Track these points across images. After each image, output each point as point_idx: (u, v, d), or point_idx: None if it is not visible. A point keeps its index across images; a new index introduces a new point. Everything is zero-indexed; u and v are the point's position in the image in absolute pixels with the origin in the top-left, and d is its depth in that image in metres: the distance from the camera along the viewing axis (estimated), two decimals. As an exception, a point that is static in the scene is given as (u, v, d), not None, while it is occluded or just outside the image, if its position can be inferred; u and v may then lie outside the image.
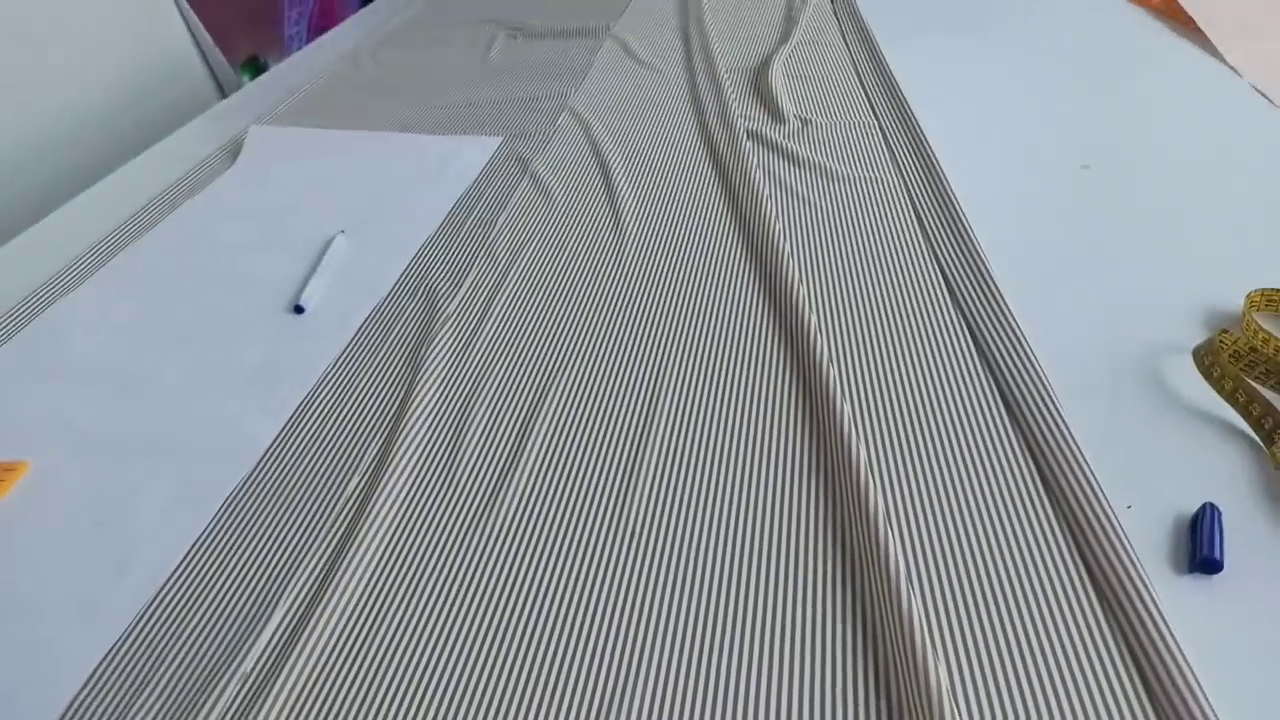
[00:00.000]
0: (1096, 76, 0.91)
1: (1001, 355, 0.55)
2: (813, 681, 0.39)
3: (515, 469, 0.51)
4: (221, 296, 0.69)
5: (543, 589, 0.44)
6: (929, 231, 0.68)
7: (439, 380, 0.58)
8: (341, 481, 0.51)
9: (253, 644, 0.42)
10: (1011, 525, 0.45)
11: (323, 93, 1.08)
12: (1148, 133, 0.78)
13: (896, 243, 0.67)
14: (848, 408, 0.52)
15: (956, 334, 0.57)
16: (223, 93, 1.71)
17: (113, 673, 0.42)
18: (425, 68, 1.14)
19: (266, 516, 0.50)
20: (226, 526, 0.49)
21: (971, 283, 0.61)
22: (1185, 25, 0.98)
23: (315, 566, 0.46)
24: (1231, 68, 0.88)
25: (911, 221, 0.70)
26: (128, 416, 0.58)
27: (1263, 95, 0.82)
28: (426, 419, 0.55)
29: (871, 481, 0.47)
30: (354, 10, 2.34)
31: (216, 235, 0.77)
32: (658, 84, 1.01)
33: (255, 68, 1.87)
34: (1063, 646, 0.39)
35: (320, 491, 0.51)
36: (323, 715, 0.39)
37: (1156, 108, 0.83)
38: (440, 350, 0.61)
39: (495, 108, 0.99)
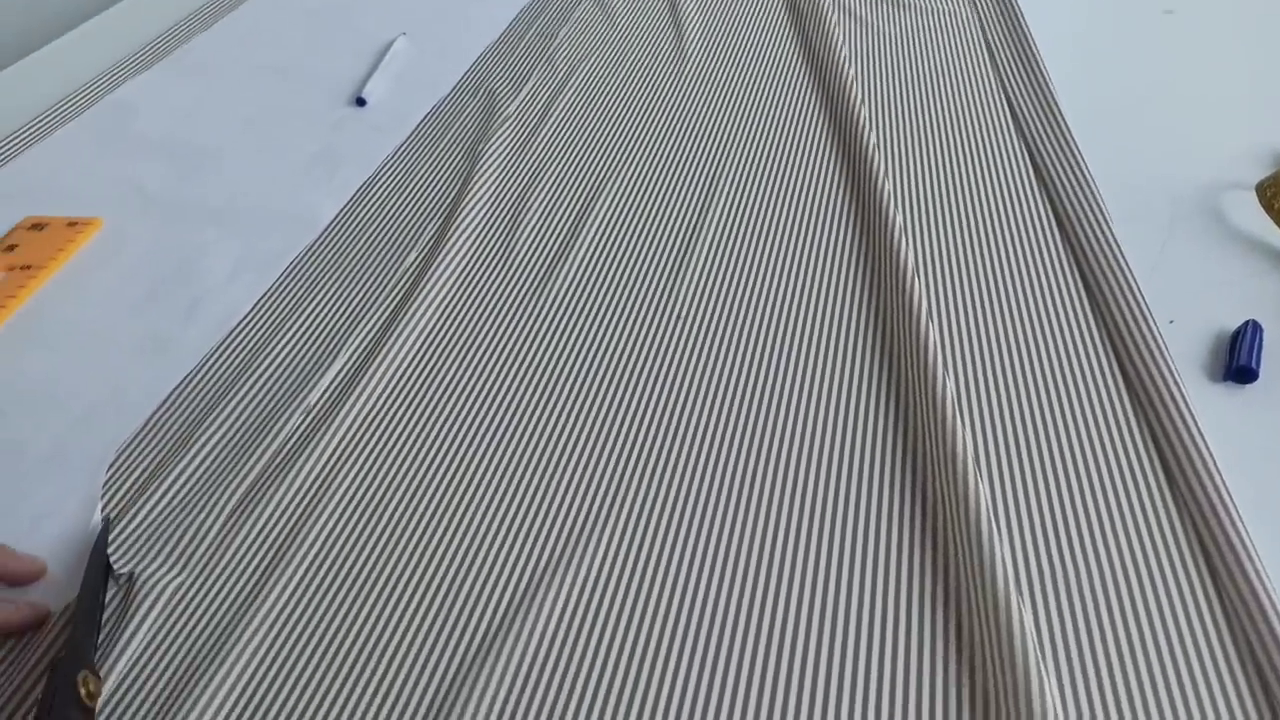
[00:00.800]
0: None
1: (1059, 176, 0.54)
2: (853, 468, 0.41)
3: (570, 249, 0.52)
4: (284, 88, 0.70)
5: (593, 358, 0.46)
6: (999, 65, 0.66)
7: (497, 171, 0.59)
8: (400, 254, 0.53)
9: (317, 381, 0.45)
10: (1054, 334, 0.45)
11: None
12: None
13: (963, 72, 0.66)
14: (900, 218, 0.52)
15: (1016, 157, 0.57)
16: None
17: (185, 398, 0.45)
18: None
19: (328, 281, 0.51)
20: (290, 287, 0.51)
21: (1036, 109, 0.60)
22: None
23: (375, 323, 0.48)
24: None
25: (982, 53, 0.68)
26: (194, 187, 0.59)
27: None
28: (484, 204, 0.56)
29: (918, 284, 0.47)
30: None
31: (280, 32, 0.78)
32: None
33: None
34: (1092, 444, 0.40)
35: (379, 262, 0.53)
36: (381, 444, 0.42)
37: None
38: (499, 145, 0.61)
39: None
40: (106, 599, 0.36)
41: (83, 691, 0.31)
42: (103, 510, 0.39)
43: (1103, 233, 0.49)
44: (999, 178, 0.55)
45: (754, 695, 0.31)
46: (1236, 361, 0.42)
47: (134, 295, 0.51)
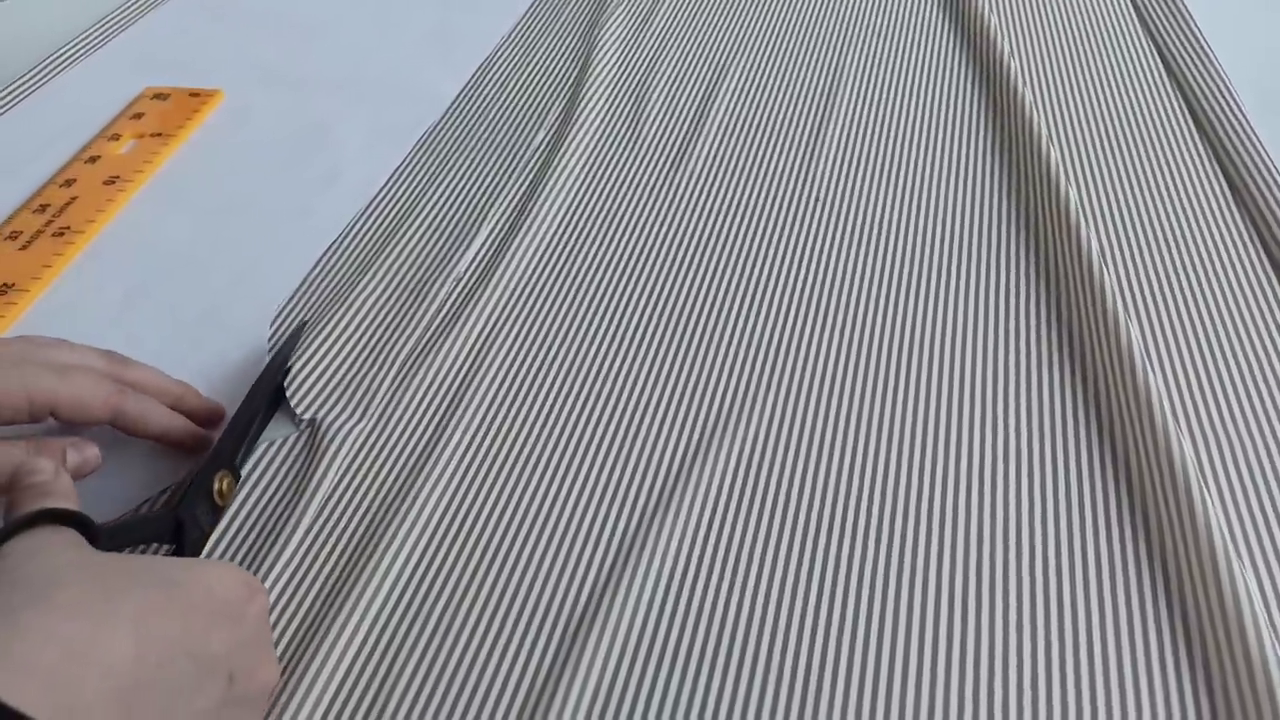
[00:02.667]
0: None
1: (1186, 64, 0.54)
2: (997, 348, 0.41)
3: (699, 130, 0.52)
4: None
5: (731, 238, 0.46)
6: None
7: (617, 55, 0.59)
8: (529, 133, 0.53)
9: (464, 252, 0.45)
10: (1195, 218, 0.46)
11: None
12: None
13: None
14: (1037, 115, 0.52)
15: (1143, 50, 0.57)
16: None
17: (336, 263, 0.45)
18: None
19: (460, 156, 0.52)
20: (423, 160, 0.51)
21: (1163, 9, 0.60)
22: None
23: (513, 197, 0.48)
24: None
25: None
26: (311, 61, 0.59)
27: None
28: (606, 87, 0.56)
29: (1063, 177, 0.47)
30: None
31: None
32: None
33: None
34: (1244, 325, 0.41)
35: (509, 139, 0.53)
36: (532, 315, 0.42)
37: None
38: (615, 30, 0.61)
39: None
40: (268, 421, 0.37)
41: (216, 487, 0.33)
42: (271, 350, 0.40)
43: (1240, 126, 0.49)
44: (1129, 71, 0.55)
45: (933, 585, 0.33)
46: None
47: (268, 163, 0.51)
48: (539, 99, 0.56)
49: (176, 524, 0.31)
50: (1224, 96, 0.52)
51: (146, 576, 0.23)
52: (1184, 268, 0.43)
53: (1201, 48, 0.55)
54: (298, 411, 0.37)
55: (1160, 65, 0.56)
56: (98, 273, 0.45)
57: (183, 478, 0.34)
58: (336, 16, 0.63)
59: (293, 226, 0.47)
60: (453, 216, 0.48)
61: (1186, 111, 0.52)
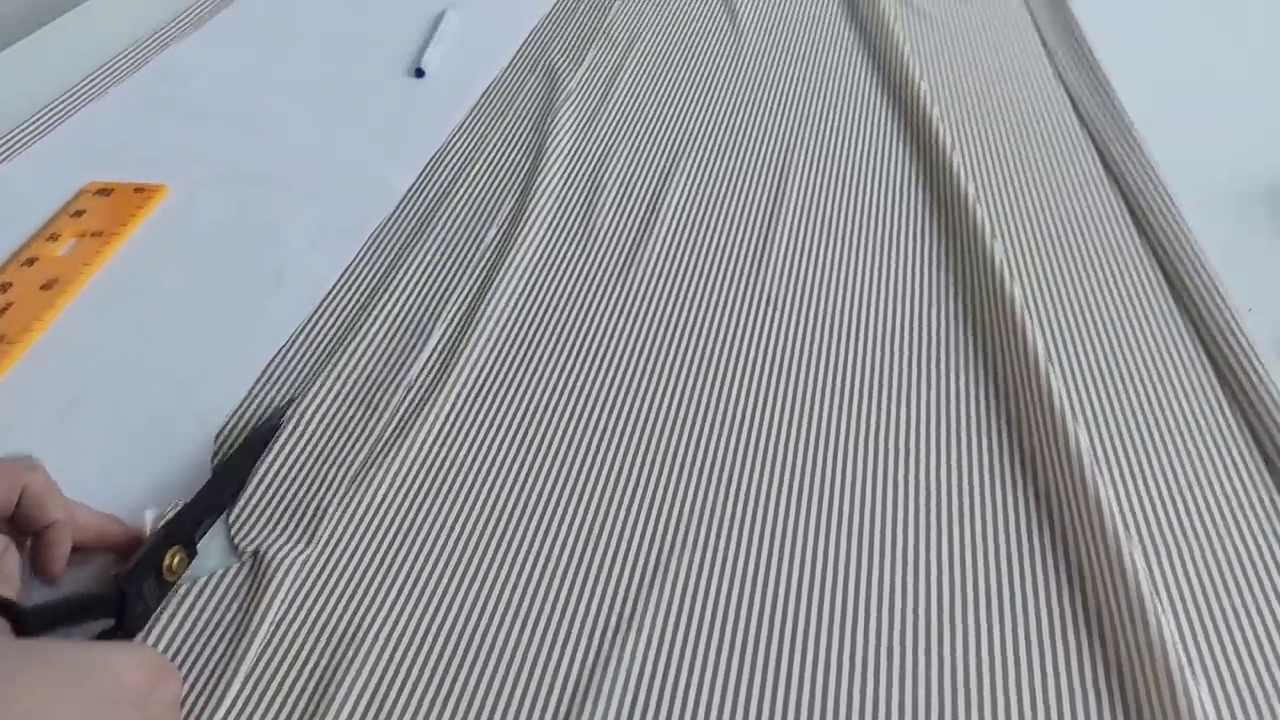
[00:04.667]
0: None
1: (1127, 169, 0.55)
2: (949, 449, 0.41)
3: (651, 226, 0.53)
4: (338, 56, 0.68)
5: (681, 339, 0.46)
6: (1052, 52, 0.67)
7: (567, 147, 0.59)
8: (480, 229, 0.53)
9: (415, 357, 0.45)
10: (1138, 320, 0.47)
11: None
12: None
13: (1021, 61, 0.67)
14: (980, 210, 0.53)
15: (1082, 149, 0.58)
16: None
17: (283, 370, 0.44)
18: None
19: (412, 254, 0.51)
20: (374, 258, 0.51)
21: (1097, 102, 0.61)
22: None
23: (464, 297, 0.48)
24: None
25: (1035, 42, 0.69)
26: (259, 154, 0.58)
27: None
28: (558, 181, 0.56)
29: (1008, 275, 0.48)
30: None
31: (322, 3, 0.76)
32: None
33: None
34: (1189, 427, 0.42)
35: (460, 236, 0.52)
36: (484, 420, 0.42)
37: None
38: (566, 121, 0.61)
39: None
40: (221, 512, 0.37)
41: (166, 563, 0.33)
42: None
43: (1176, 225, 0.51)
44: (1070, 170, 0.56)
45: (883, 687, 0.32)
46: (1321, 355, 0.44)
47: (214, 263, 0.50)
48: (491, 193, 0.55)
49: (120, 596, 0.30)
50: (1159, 193, 0.53)
51: (52, 665, 0.23)
52: (1128, 371, 0.44)
53: (1133, 141, 0.57)
54: (239, 543, 0.36)
55: (1098, 159, 0.57)
56: (35, 382, 0.43)
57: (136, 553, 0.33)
58: (285, 110, 0.62)
59: (239, 330, 0.46)
60: (403, 321, 0.47)
61: (1124, 207, 0.54)
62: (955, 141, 0.58)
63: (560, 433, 0.41)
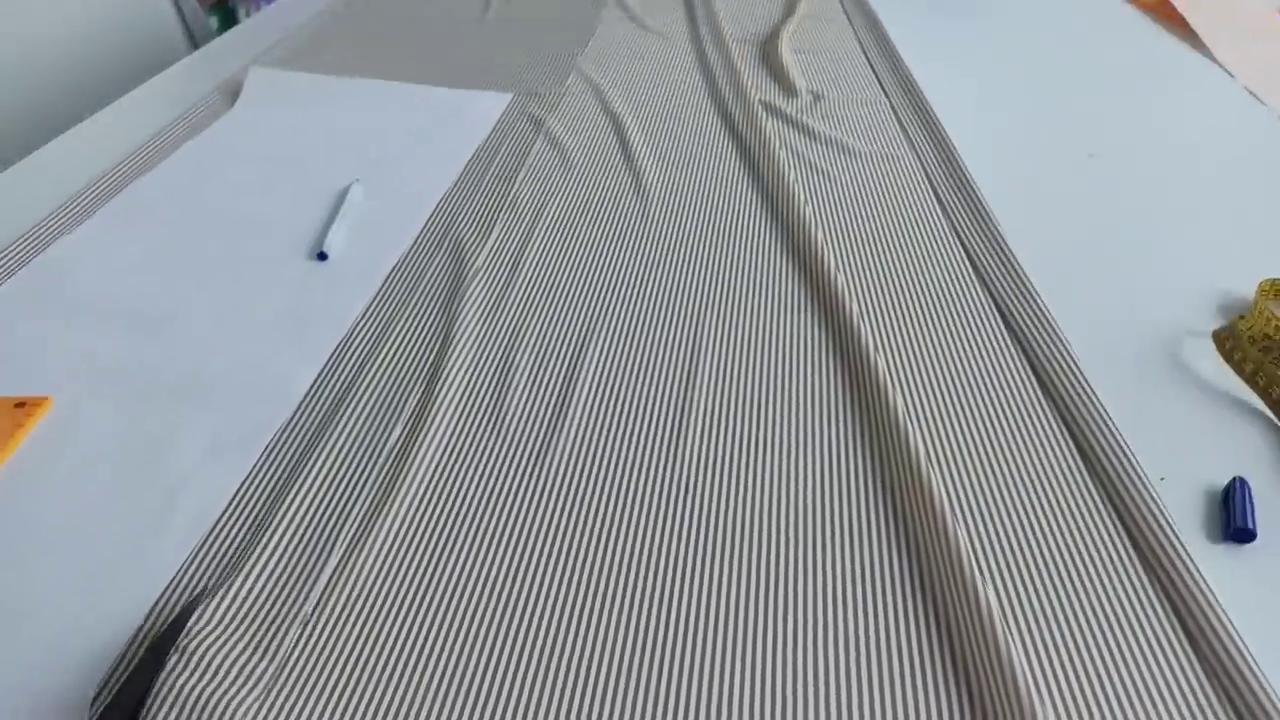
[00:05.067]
0: (1093, 69, 0.93)
1: (1031, 333, 0.56)
2: (865, 637, 0.40)
3: (563, 416, 0.51)
4: (237, 238, 0.67)
5: (596, 535, 0.44)
6: (949, 210, 0.69)
7: (475, 331, 0.58)
8: (384, 428, 0.51)
9: (312, 586, 0.42)
10: (1053, 494, 0.46)
11: (316, 38, 1.06)
12: (1148, 126, 0.81)
13: (918, 219, 0.69)
14: (888, 376, 0.53)
15: (986, 313, 0.59)
16: (189, 32, 1.66)
17: (169, 609, 0.41)
18: (422, 18, 1.11)
19: (311, 462, 0.49)
20: (270, 471, 0.48)
21: (995, 261, 0.63)
22: (1177, 25, 1.02)
23: (361, 513, 0.46)
24: (1223, 67, 0.91)
25: (931, 200, 0.71)
26: (152, 355, 0.56)
27: (1255, 96, 0.85)
28: (466, 370, 0.55)
29: (917, 439, 0.48)
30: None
31: (223, 177, 0.75)
32: (666, 50, 1.00)
33: (224, 12, 1.81)
34: (1112, 608, 0.41)
35: (363, 438, 0.50)
36: (373, 657, 0.39)
37: (1155, 101, 0.85)
38: (474, 302, 0.60)
39: (501, 63, 0.97)
40: None
41: None
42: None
43: (1084, 391, 0.51)
44: (973, 332, 0.57)
45: None
46: (1234, 523, 0.44)
47: (98, 488, 0.47)
48: (395, 388, 0.54)
49: None
50: (1063, 355, 0.54)
51: None
52: (1051, 563, 0.44)
53: (1034, 301, 0.59)
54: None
55: (999, 319, 0.58)
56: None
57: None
58: (179, 304, 0.60)
59: (121, 571, 0.43)
60: (299, 542, 0.44)
61: (1029, 369, 0.54)
62: (863, 312, 0.59)
63: (475, 643, 0.39)
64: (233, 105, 0.88)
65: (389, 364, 0.56)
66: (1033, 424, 0.51)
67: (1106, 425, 0.49)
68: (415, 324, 0.59)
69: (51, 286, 0.62)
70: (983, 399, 0.52)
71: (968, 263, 0.64)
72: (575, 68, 0.96)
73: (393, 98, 0.89)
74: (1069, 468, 0.48)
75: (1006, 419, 0.51)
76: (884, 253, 0.65)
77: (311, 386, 0.54)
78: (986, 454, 0.49)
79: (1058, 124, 0.82)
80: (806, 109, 0.85)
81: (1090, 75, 0.92)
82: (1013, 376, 0.54)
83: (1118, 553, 0.43)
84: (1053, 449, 0.49)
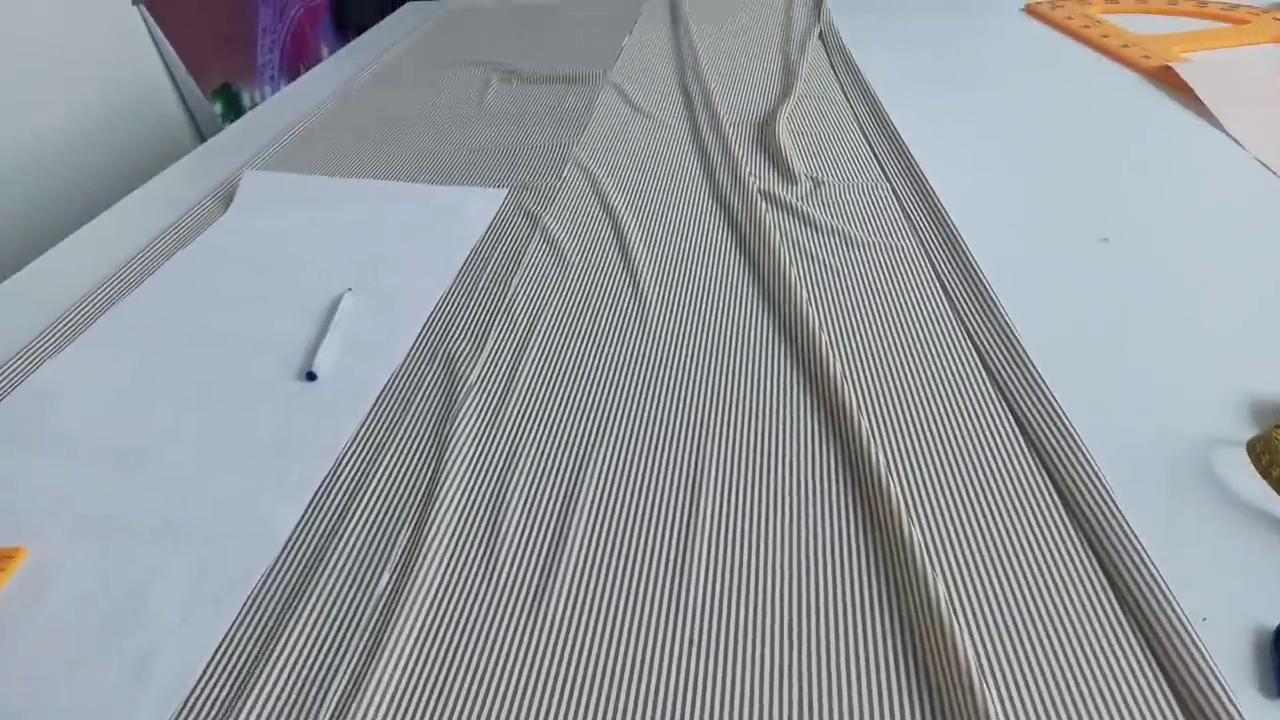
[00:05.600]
0: (1100, 142, 0.91)
1: (1051, 445, 0.54)
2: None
3: (559, 560, 0.49)
4: (225, 358, 0.65)
5: (595, 688, 0.42)
6: (956, 305, 0.67)
7: (468, 458, 0.55)
8: (372, 575, 0.48)
9: (293, 767, 0.39)
10: (1084, 632, 0.43)
11: (313, 133, 1.05)
12: (1160, 204, 0.79)
13: (926, 316, 0.66)
14: (901, 499, 0.50)
15: (1001, 420, 0.56)
16: (194, 121, 1.67)
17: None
18: (419, 110, 1.11)
19: (294, 616, 0.46)
20: (251, 628, 0.46)
21: (1008, 362, 0.60)
22: (1182, 92, 1.00)
23: (347, 674, 0.43)
24: (1233, 138, 0.89)
25: (938, 292, 0.69)
26: (132, 495, 0.54)
27: (1267, 168, 0.83)
28: (457, 505, 0.52)
29: (929, 566, 0.45)
30: (326, 39, 2.32)
31: (214, 290, 0.74)
32: (662, 136, 0.99)
33: (227, 96, 1.83)
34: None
35: (349, 587, 0.48)
36: None
37: (1166, 178, 0.83)
38: (466, 424, 0.58)
39: (497, 155, 0.96)
40: None
41: None
42: None
43: (1112, 514, 0.48)
44: (991, 446, 0.54)
45: None
46: (1285, 674, 0.40)
47: (69, 655, 0.45)
48: (384, 525, 0.51)
49: None
50: (1087, 470, 0.51)
51: None
52: (1068, 677, 0.40)
53: (1052, 406, 0.56)
54: None
55: (1016, 429, 0.55)
56: None
57: None
58: (164, 434, 0.58)
59: (89, 749, 0.40)
60: (284, 705, 0.42)
61: (1051, 486, 0.51)
62: (873, 429, 0.56)
63: None
64: (226, 209, 0.87)
65: (377, 500, 0.53)
66: (1057, 549, 0.47)
67: (1140, 555, 0.46)
68: (404, 452, 0.56)
69: (34, 419, 0.60)
70: (1002, 519, 0.49)
71: (979, 364, 0.61)
72: (571, 157, 0.95)
73: (388, 198, 0.87)
74: (1103, 609, 0.44)
75: (1028, 541, 0.48)
76: (891, 354, 0.62)
77: (296, 527, 0.52)
78: (1007, 584, 0.46)
79: (1066, 204, 0.80)
80: (806, 196, 0.84)
81: (1097, 150, 0.90)
82: (1033, 493, 0.51)
83: (1160, 707, 0.40)
84: (1083, 583, 0.46)
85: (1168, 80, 1.03)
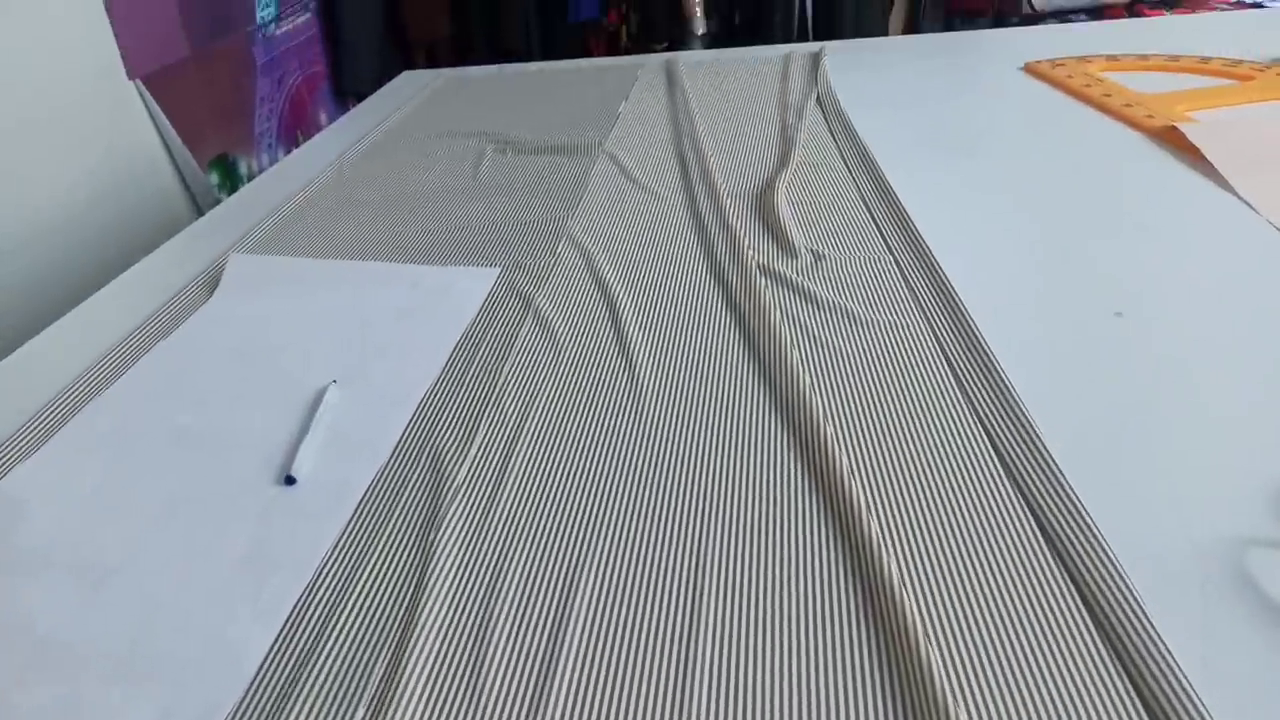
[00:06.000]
0: (1108, 209, 0.89)
1: (1072, 545, 0.50)
2: None
3: (549, 688, 0.45)
4: (201, 462, 0.62)
5: None
6: (965, 387, 0.64)
7: (452, 572, 0.52)
8: (346, 710, 0.45)
9: None
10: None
11: (304, 210, 1.04)
12: (1174, 274, 0.76)
13: (934, 401, 0.63)
14: (910, 603, 0.46)
15: (1019, 519, 0.53)
16: (189, 191, 1.67)
17: None
18: (412, 184, 1.10)
19: (261, 759, 0.43)
20: (214, 773, 0.42)
21: (1024, 453, 0.57)
22: (1189, 153, 0.98)
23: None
24: (1245, 201, 0.86)
25: (947, 375, 0.66)
26: (94, 623, 0.50)
27: (1281, 232, 0.81)
28: (440, 629, 0.49)
29: (947, 689, 0.41)
30: (324, 105, 2.33)
31: (192, 385, 0.71)
32: (658, 209, 0.97)
33: (224, 166, 1.83)
34: None
35: (322, 723, 0.44)
36: None
37: (1179, 246, 0.81)
38: (452, 533, 0.55)
39: (490, 231, 0.95)
40: None
41: None
42: None
43: (1144, 628, 0.45)
44: (1009, 549, 0.51)
45: None
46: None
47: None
48: (361, 652, 0.48)
49: None
50: (1114, 579, 0.47)
51: None
52: None
53: (1070, 499, 0.52)
54: None
55: (1035, 526, 0.52)
56: None
57: None
58: (133, 549, 0.55)
59: None
60: None
61: (1077, 595, 0.48)
62: (884, 530, 0.52)
63: None
64: (211, 295, 0.85)
65: (354, 622, 0.50)
66: (1089, 669, 0.44)
67: (1181, 684, 0.42)
68: (385, 566, 0.53)
69: (1, 529, 0.57)
70: (1023, 625, 0.46)
71: (992, 451, 0.58)
72: (566, 233, 0.92)
73: (378, 280, 0.85)
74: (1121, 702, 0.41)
75: (1052, 653, 0.44)
76: (898, 443, 0.59)
77: (267, 656, 0.48)
78: (1031, 698, 0.42)
79: (1076, 275, 0.77)
80: (807, 270, 0.81)
81: (1105, 216, 0.87)
82: (1057, 601, 0.47)
83: None
84: (1114, 704, 0.42)
85: (1174, 141, 1.01)
